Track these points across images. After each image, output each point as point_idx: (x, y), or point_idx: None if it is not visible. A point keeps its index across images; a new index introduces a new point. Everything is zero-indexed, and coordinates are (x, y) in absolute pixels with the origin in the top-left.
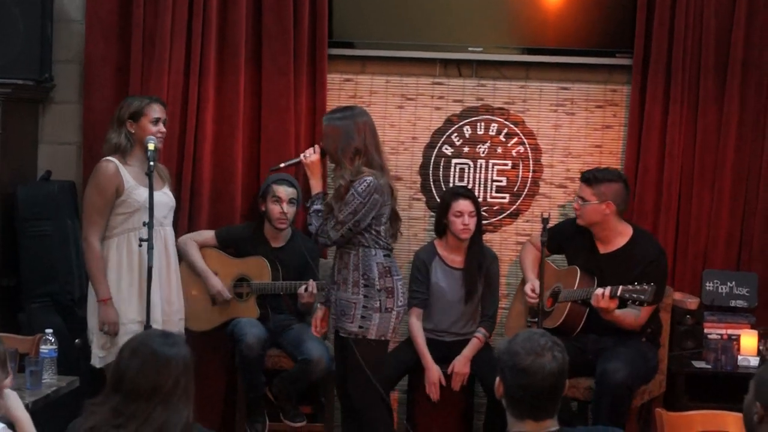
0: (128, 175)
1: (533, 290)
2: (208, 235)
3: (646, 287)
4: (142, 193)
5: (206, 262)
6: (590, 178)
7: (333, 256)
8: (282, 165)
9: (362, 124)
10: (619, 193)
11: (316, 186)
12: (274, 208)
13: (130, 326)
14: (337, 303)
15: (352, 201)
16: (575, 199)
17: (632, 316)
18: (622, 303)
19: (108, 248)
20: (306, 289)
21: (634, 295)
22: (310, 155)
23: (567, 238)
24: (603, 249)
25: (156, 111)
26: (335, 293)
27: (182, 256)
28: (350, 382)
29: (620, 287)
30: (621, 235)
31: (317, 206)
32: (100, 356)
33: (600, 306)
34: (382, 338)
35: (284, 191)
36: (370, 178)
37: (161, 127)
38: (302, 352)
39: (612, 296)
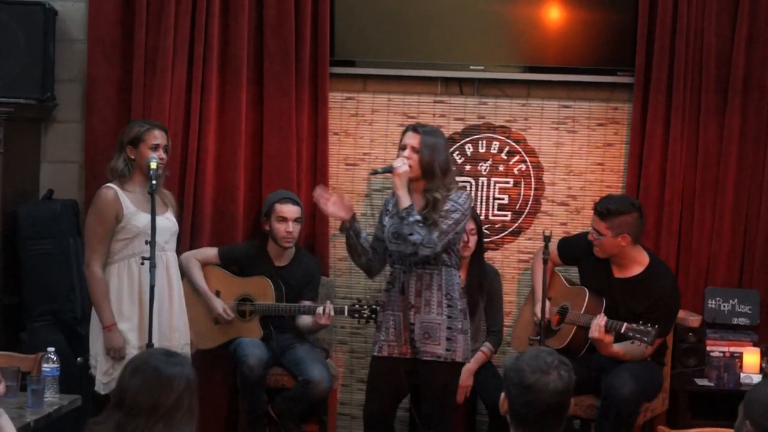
0: (128, 201)
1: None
2: (211, 252)
3: (649, 329)
4: (142, 218)
5: (209, 281)
6: (603, 211)
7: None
8: (379, 170)
9: (446, 145)
10: (634, 224)
11: (406, 198)
12: (280, 228)
13: (131, 352)
14: (420, 326)
15: (453, 213)
16: (590, 231)
17: (637, 352)
18: (622, 337)
19: (109, 274)
20: (324, 311)
21: (637, 335)
22: (402, 165)
23: (583, 253)
24: (618, 273)
25: (156, 137)
26: (413, 316)
27: (184, 274)
28: (432, 405)
29: (624, 324)
30: (637, 263)
31: (416, 216)
32: (104, 383)
33: (594, 337)
34: (466, 360)
35: (289, 210)
36: (467, 192)
37: (161, 153)
38: (303, 372)
39: (608, 330)
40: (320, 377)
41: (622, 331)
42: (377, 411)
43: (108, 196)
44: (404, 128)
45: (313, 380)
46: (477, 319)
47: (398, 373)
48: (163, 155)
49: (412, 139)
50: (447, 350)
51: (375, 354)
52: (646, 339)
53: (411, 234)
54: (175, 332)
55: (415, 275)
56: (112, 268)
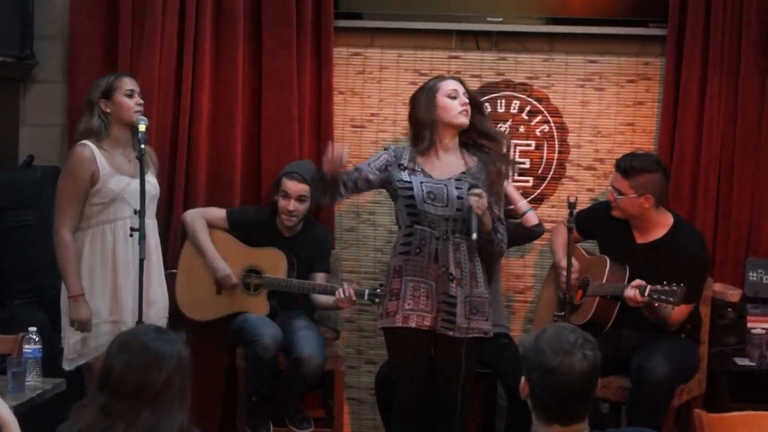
0: (104, 161)
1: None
2: (219, 214)
3: (675, 288)
4: (119, 181)
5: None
6: (627, 168)
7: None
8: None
9: None
10: (658, 183)
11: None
12: (283, 204)
13: (102, 326)
14: (464, 300)
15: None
16: (609, 189)
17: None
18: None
19: (81, 240)
20: (344, 293)
21: (663, 297)
22: (481, 199)
23: (600, 224)
24: (640, 239)
25: (128, 83)
26: (454, 289)
27: (188, 233)
28: (458, 385)
29: (648, 287)
30: (660, 225)
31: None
32: (70, 358)
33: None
34: None
35: (293, 187)
36: None
37: (138, 99)
38: (293, 349)
39: (641, 295)
40: (310, 353)
41: (646, 294)
42: (415, 393)
43: (83, 154)
44: (441, 77)
45: (303, 357)
46: None
47: (427, 347)
48: (140, 101)
49: (460, 86)
50: (494, 325)
51: (398, 324)
52: (672, 299)
53: (503, 240)
54: (153, 305)
55: (452, 243)
56: (84, 234)
